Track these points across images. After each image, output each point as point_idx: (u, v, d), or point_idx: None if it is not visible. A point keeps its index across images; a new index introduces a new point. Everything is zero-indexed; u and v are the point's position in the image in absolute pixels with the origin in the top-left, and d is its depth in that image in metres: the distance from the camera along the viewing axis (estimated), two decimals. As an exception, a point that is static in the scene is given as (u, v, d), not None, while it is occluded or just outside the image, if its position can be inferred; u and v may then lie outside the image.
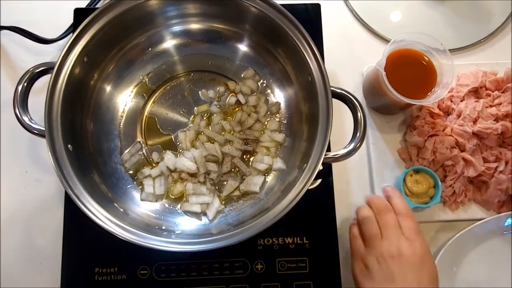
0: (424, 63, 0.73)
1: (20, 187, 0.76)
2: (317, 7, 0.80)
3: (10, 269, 0.73)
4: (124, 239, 0.58)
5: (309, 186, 0.59)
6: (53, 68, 0.62)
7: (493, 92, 0.78)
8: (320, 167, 0.60)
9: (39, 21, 0.83)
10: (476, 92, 0.79)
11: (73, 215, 0.70)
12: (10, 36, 0.81)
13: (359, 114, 0.63)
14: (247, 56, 0.76)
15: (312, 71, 0.64)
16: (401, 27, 0.86)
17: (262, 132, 0.73)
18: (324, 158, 0.60)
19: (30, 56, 0.82)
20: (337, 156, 0.62)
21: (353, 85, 0.82)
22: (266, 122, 0.74)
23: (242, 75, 0.76)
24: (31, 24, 0.80)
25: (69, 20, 0.80)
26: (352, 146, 0.62)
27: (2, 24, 0.80)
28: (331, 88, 0.63)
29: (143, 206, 0.70)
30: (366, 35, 0.86)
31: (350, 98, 0.63)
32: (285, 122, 0.75)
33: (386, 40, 0.85)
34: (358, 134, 0.62)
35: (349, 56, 0.84)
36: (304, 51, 0.65)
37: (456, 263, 0.73)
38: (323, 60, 0.64)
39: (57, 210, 0.72)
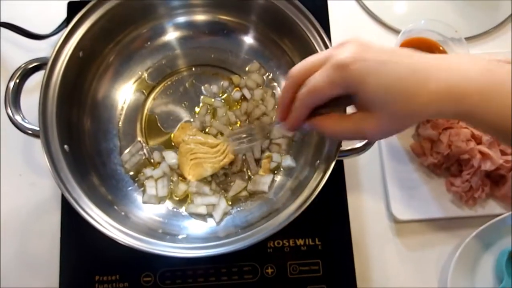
0: (438, 52, 0.70)
1: (14, 191, 0.72)
2: (323, -4, 0.76)
3: (4, 278, 0.69)
4: (126, 245, 0.55)
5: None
6: (46, 64, 0.59)
7: (508, 82, 0.74)
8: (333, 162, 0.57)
9: (31, 16, 0.79)
10: (491, 83, 0.75)
11: (71, 220, 0.66)
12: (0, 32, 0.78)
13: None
14: (252, 48, 0.73)
15: (323, 62, 0.61)
16: (410, 16, 0.83)
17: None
18: (339, 152, 0.57)
19: (21, 53, 0.78)
20: (353, 150, 0.59)
21: (361, 78, 0.79)
22: (273, 117, 0.71)
23: (246, 69, 0.73)
24: (22, 19, 0.77)
25: (63, 14, 0.76)
26: (367, 139, 0.59)
27: (-9, 20, 0.76)
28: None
29: (146, 209, 0.66)
30: (374, 25, 0.82)
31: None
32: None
33: (395, 31, 0.81)
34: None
35: (356, 48, 0.80)
36: (314, 42, 0.62)
37: (475, 261, 0.69)
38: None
39: (54, 214, 0.69)
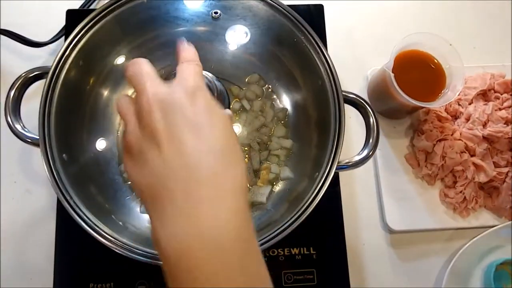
0: (433, 65, 0.71)
1: (9, 198, 0.72)
2: (320, 8, 0.77)
3: (-2, 286, 0.68)
4: (121, 253, 0.54)
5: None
6: (47, 73, 0.58)
7: (501, 94, 0.76)
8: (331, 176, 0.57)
9: (28, 23, 0.79)
10: (484, 95, 0.77)
11: (66, 228, 0.66)
12: (-3, 39, 0.77)
13: (371, 120, 0.60)
14: (252, 60, 0.73)
15: (323, 75, 0.61)
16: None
17: (270, 141, 0.70)
18: (337, 166, 0.57)
19: (19, 60, 0.78)
20: (350, 163, 0.59)
21: (357, 89, 0.80)
22: (273, 129, 0.71)
23: (246, 80, 0.73)
24: (20, 26, 0.76)
25: (61, 22, 0.76)
26: (365, 152, 0.60)
27: (-12, 27, 0.76)
28: (343, 93, 0.60)
29: (143, 219, 0.66)
30: (370, 37, 0.84)
31: (362, 103, 0.61)
32: (292, 128, 0.71)
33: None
34: (371, 141, 0.60)
35: (352, 59, 0.82)
36: (314, 55, 0.62)
37: (469, 272, 0.70)
38: (333, 64, 0.61)
39: (49, 222, 0.68)
